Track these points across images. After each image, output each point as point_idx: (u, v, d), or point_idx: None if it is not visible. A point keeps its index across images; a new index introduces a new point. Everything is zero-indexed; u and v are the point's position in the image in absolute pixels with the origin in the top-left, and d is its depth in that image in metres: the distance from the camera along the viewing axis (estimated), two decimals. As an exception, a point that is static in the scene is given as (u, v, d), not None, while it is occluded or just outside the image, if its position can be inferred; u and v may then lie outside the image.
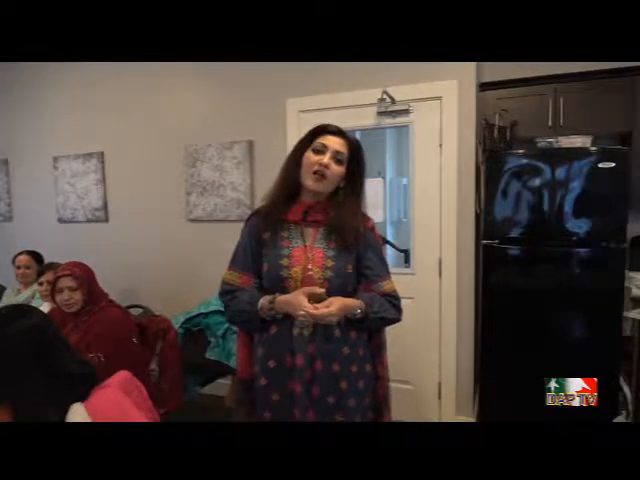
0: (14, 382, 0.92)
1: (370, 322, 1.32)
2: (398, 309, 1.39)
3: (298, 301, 1.22)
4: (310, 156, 1.31)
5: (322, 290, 1.25)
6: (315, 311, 1.19)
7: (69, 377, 0.97)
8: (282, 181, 1.36)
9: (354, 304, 1.28)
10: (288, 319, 1.29)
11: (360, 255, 1.36)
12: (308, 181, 1.31)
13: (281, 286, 1.32)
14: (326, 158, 1.29)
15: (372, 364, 1.41)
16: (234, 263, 1.40)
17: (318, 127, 1.35)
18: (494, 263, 2.39)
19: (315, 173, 1.29)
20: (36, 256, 2.86)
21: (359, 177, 1.37)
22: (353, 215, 1.34)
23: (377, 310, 1.32)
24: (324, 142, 1.31)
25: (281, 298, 1.27)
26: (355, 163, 1.36)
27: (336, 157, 1.31)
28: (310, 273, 1.30)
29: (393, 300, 1.38)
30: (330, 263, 1.31)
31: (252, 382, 1.39)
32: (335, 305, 1.21)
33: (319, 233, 1.35)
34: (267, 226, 1.37)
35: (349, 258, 1.34)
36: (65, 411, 0.92)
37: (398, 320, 1.40)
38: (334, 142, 1.31)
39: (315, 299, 1.23)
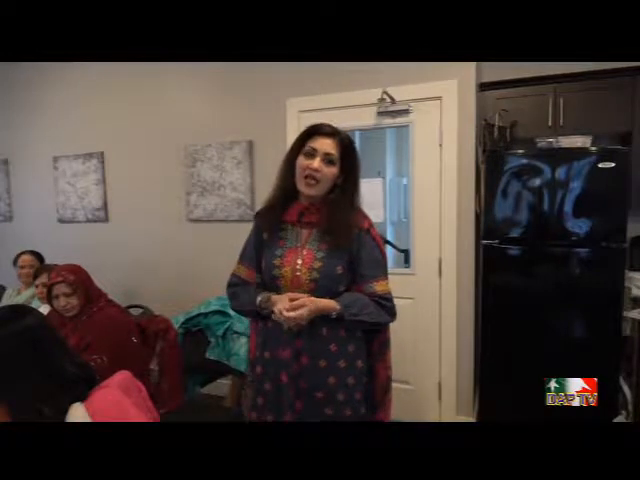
0: (10, 383, 0.92)
1: (348, 323, 1.32)
2: (388, 311, 1.37)
3: (277, 303, 1.29)
4: (301, 161, 1.33)
5: (302, 297, 1.28)
6: (285, 313, 1.25)
7: (66, 379, 0.97)
8: (279, 184, 1.40)
9: (329, 306, 1.30)
10: None
11: (353, 256, 1.37)
12: (301, 186, 1.34)
13: (274, 284, 1.38)
14: (316, 162, 1.30)
15: (366, 360, 1.42)
16: (242, 257, 1.49)
17: (308, 129, 1.36)
18: (494, 263, 2.39)
19: (306, 177, 1.31)
20: (38, 256, 2.86)
21: (352, 175, 1.38)
22: (346, 215, 1.35)
23: (356, 312, 1.31)
24: (314, 146, 1.32)
25: (272, 298, 1.34)
26: (348, 161, 1.36)
27: (327, 159, 1.32)
28: (298, 274, 1.34)
29: (383, 301, 1.36)
30: (318, 264, 1.34)
31: None
32: (306, 308, 1.25)
33: (312, 234, 1.38)
34: (266, 226, 1.42)
35: (339, 259, 1.35)
36: (63, 412, 0.92)
37: (387, 322, 1.41)
38: (324, 144, 1.32)
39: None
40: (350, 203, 1.38)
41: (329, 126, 1.35)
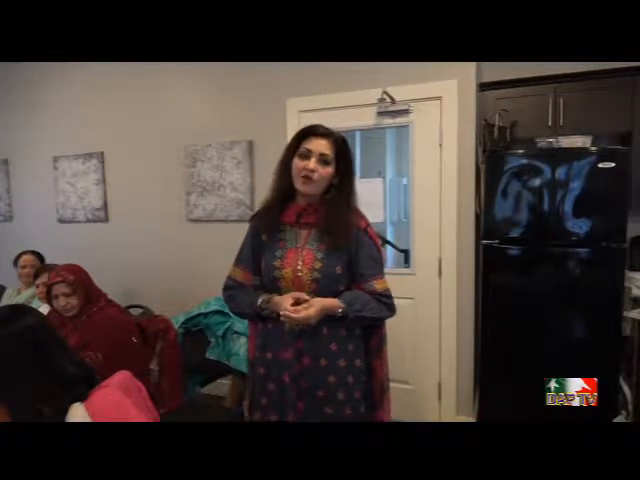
0: (10, 383, 0.92)
1: (352, 320, 1.34)
2: (389, 307, 1.41)
3: (282, 303, 1.29)
4: (297, 162, 1.34)
5: (307, 297, 1.30)
6: (293, 314, 1.25)
7: (66, 379, 0.96)
8: (276, 186, 1.41)
9: (334, 304, 1.32)
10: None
11: (352, 256, 1.39)
12: (298, 185, 1.35)
13: (275, 286, 1.38)
14: (311, 163, 1.32)
15: (364, 359, 1.44)
16: (238, 260, 1.48)
17: (302, 130, 1.38)
18: (494, 263, 2.39)
19: (303, 177, 1.33)
20: (39, 256, 2.87)
21: (348, 175, 1.40)
22: (343, 215, 1.37)
23: (359, 309, 1.34)
24: (308, 147, 1.34)
25: (274, 299, 1.35)
26: (343, 161, 1.38)
27: (322, 159, 1.34)
28: (299, 274, 1.35)
29: (383, 298, 1.39)
30: (318, 265, 1.35)
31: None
32: (313, 308, 1.27)
33: (311, 235, 1.39)
34: (265, 228, 1.43)
35: (339, 259, 1.37)
36: (63, 412, 0.92)
37: (387, 317, 1.43)
38: (319, 145, 1.34)
39: (300, 304, 1.30)
40: (347, 203, 1.39)
41: (323, 127, 1.37)
